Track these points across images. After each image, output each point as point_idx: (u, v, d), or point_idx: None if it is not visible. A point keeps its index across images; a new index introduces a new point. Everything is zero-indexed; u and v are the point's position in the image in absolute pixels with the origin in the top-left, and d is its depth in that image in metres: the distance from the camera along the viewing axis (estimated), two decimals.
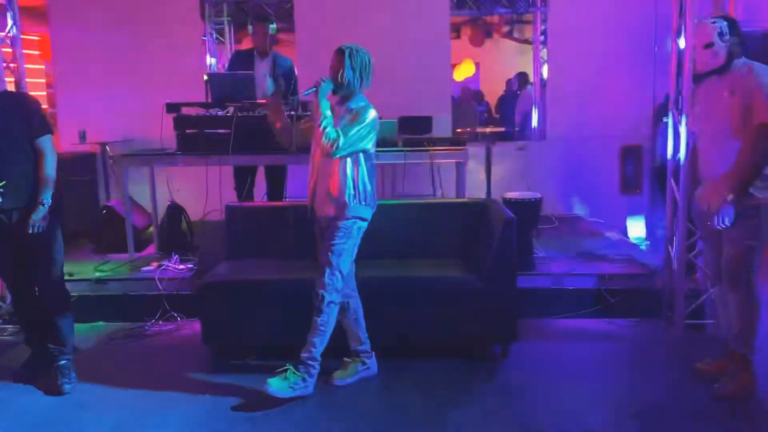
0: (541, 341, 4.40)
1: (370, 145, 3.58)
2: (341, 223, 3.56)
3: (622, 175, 7.15)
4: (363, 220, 3.63)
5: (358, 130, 3.49)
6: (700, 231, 3.91)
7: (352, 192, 3.55)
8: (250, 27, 5.89)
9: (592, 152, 7.09)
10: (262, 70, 5.83)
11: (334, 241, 3.56)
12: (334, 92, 3.59)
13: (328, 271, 3.55)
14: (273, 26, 5.81)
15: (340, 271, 3.58)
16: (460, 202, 4.96)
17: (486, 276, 4.03)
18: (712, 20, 3.48)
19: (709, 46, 3.45)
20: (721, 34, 3.42)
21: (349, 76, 3.54)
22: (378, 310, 3.97)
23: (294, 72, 5.99)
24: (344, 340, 3.86)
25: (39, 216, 3.64)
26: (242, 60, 5.98)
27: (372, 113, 3.55)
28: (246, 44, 7.45)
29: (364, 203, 3.60)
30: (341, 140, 3.44)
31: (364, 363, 3.87)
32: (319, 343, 3.60)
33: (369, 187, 3.61)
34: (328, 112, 3.50)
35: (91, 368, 4.06)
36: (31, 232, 3.63)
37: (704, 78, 3.61)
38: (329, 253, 3.56)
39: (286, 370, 3.59)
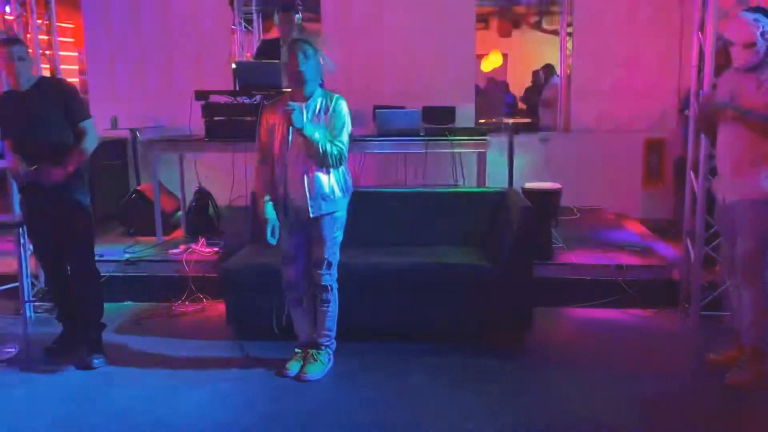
0: (556, 330, 4.47)
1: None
2: (334, 217, 3.66)
3: (645, 168, 7.14)
4: (344, 211, 3.74)
5: (345, 131, 3.57)
6: (717, 223, 3.93)
7: (343, 186, 3.66)
8: (276, 17, 5.97)
9: (616, 145, 7.08)
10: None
11: (331, 235, 3.67)
12: (295, 85, 3.57)
13: (333, 261, 3.71)
14: (299, 16, 5.89)
15: (337, 258, 3.75)
16: (480, 192, 5.03)
17: (504, 264, 4.10)
18: (754, 17, 3.43)
19: (751, 45, 3.42)
20: (763, 34, 3.40)
21: (309, 71, 3.50)
22: (395, 296, 4.07)
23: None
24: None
25: (55, 172, 3.74)
26: (269, 49, 6.07)
27: (345, 105, 3.60)
28: (274, 33, 7.54)
29: (347, 194, 3.72)
30: (344, 151, 3.55)
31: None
32: (334, 326, 3.79)
33: (350, 179, 3.73)
34: (316, 134, 3.48)
35: (120, 345, 4.22)
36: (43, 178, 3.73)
37: (725, 69, 3.63)
38: (326, 247, 3.67)
39: (306, 355, 3.77)
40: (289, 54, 3.52)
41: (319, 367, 3.76)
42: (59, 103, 3.81)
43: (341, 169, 3.64)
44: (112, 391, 3.65)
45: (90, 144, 3.87)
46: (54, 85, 3.97)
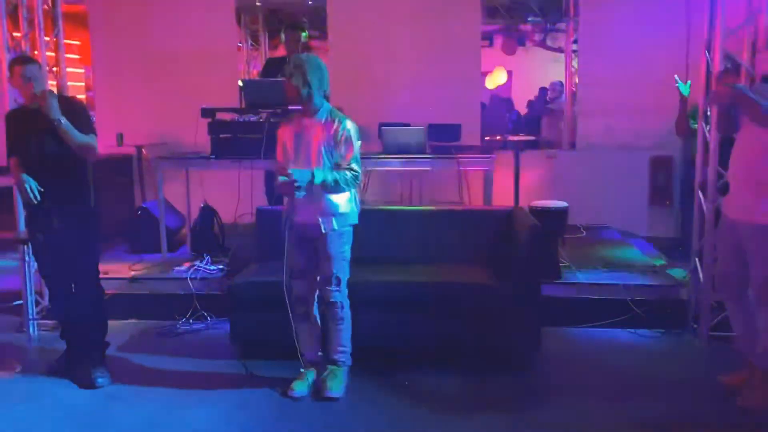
0: (564, 350, 4.42)
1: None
2: (342, 232, 3.67)
3: (651, 186, 7.13)
4: (352, 227, 3.76)
5: (356, 155, 3.60)
6: (722, 242, 3.86)
7: (353, 203, 3.70)
8: (282, 35, 6.00)
9: (622, 162, 7.08)
10: None
11: (339, 251, 3.67)
12: (297, 103, 3.62)
13: (342, 277, 3.71)
14: (305, 34, 5.91)
15: (347, 275, 3.75)
16: (486, 210, 5.00)
17: (511, 283, 4.07)
18: None
19: None
20: None
21: (307, 91, 3.53)
22: (402, 315, 4.04)
23: None
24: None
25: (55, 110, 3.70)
26: (275, 67, 6.09)
27: (352, 127, 3.61)
28: (281, 51, 7.58)
29: (356, 211, 3.75)
30: (358, 174, 3.60)
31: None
32: (349, 343, 3.80)
33: (358, 197, 3.76)
34: (327, 178, 3.51)
35: (124, 364, 4.19)
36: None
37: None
38: (335, 263, 3.67)
39: (332, 373, 3.77)
40: (289, 73, 3.54)
41: (340, 383, 3.74)
42: (67, 120, 3.81)
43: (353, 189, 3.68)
44: (116, 410, 3.62)
45: (88, 139, 3.83)
46: (63, 103, 3.99)
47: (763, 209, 3.41)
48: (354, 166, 3.58)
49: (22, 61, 3.92)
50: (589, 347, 4.48)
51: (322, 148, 3.56)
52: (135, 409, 3.63)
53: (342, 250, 3.69)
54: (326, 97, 3.66)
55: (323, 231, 3.60)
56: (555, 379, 4.02)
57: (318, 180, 3.49)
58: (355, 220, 3.75)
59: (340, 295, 3.72)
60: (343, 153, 3.57)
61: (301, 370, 3.85)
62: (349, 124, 3.60)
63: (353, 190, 3.69)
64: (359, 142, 3.64)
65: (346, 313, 3.75)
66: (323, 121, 3.60)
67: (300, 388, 3.75)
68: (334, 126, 3.58)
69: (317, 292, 3.79)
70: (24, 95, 3.87)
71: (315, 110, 3.61)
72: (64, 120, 3.70)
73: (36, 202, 3.74)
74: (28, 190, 3.73)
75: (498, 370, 4.07)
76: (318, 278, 3.75)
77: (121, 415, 3.56)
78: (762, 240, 3.43)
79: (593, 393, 3.79)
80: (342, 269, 3.71)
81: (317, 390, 3.74)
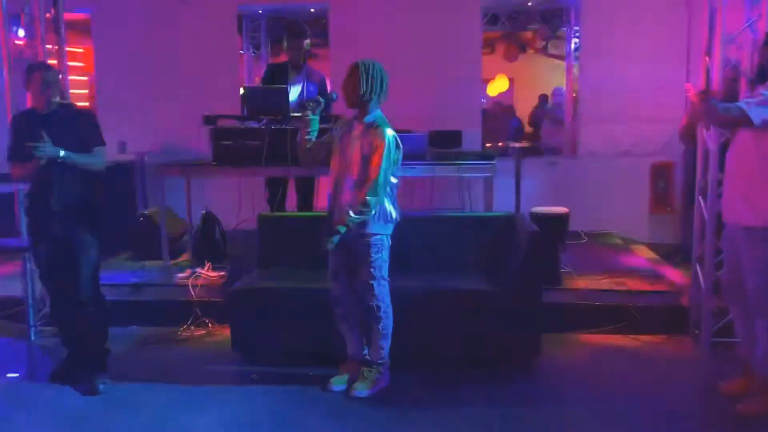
0: (565, 356, 4.41)
1: (393, 174, 3.75)
2: (373, 240, 3.72)
3: (652, 192, 7.13)
4: (387, 235, 3.79)
5: (383, 168, 3.63)
6: (726, 248, 3.84)
7: (385, 212, 3.73)
8: (285, 42, 6.01)
9: (623, 169, 7.09)
10: (296, 83, 5.95)
11: (373, 256, 3.72)
12: (352, 105, 3.72)
13: (374, 283, 3.73)
14: (308, 41, 5.93)
15: (385, 279, 3.77)
16: (487, 216, 5.00)
17: (512, 289, 4.08)
18: None
19: None
20: None
21: (365, 88, 3.65)
22: (403, 321, 4.03)
23: (326, 85, 6.10)
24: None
25: (48, 148, 3.68)
26: (276, 73, 6.09)
27: (390, 140, 3.66)
28: (282, 58, 7.60)
29: (389, 221, 3.77)
30: (380, 190, 3.63)
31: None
32: (387, 344, 3.83)
33: (395, 209, 3.79)
34: (362, 214, 3.62)
35: (125, 370, 4.18)
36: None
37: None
38: (369, 268, 3.72)
39: (363, 374, 3.84)
40: (349, 75, 3.66)
41: (368, 385, 3.79)
42: (76, 129, 3.86)
43: (386, 199, 3.72)
44: (117, 417, 3.62)
45: (91, 159, 3.88)
46: (74, 112, 4.05)
47: (752, 211, 3.42)
48: (375, 171, 3.60)
49: (44, 67, 3.99)
50: (590, 353, 4.48)
51: (361, 155, 3.66)
52: (135, 415, 3.63)
53: (376, 256, 3.73)
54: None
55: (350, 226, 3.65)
56: (555, 385, 4.01)
57: (354, 221, 3.61)
58: (387, 231, 3.78)
59: (376, 299, 3.75)
60: (373, 161, 3.63)
61: (341, 366, 3.94)
62: (389, 137, 3.65)
63: (386, 204, 3.72)
64: (396, 154, 3.69)
65: (385, 313, 3.78)
66: (366, 125, 3.70)
67: (338, 383, 3.85)
68: (375, 132, 3.65)
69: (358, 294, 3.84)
70: (39, 101, 3.89)
71: (366, 115, 3.71)
72: (64, 152, 3.72)
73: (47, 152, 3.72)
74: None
75: (498, 375, 4.07)
76: (357, 281, 3.80)
77: (121, 422, 3.56)
78: (749, 243, 3.44)
79: (594, 399, 3.79)
80: (376, 275, 3.74)
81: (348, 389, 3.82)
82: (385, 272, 3.79)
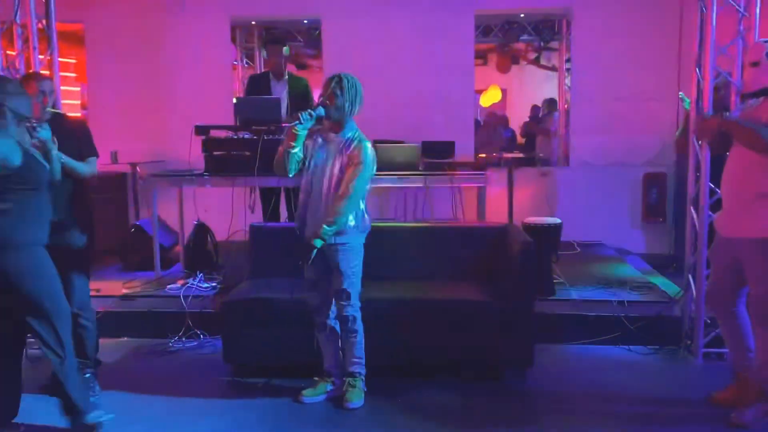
0: (558, 367, 4.40)
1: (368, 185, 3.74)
2: (348, 248, 3.72)
3: (645, 202, 7.15)
4: (360, 243, 3.80)
5: (361, 177, 3.63)
6: (715, 258, 3.84)
7: (359, 221, 3.71)
8: (264, 51, 6.02)
9: (616, 179, 7.13)
10: (278, 92, 5.95)
11: (348, 266, 3.72)
12: (327, 118, 3.69)
13: (351, 290, 3.75)
14: (286, 48, 5.93)
15: (359, 286, 3.80)
16: (480, 226, 5.00)
17: (504, 300, 4.07)
18: (764, 40, 3.52)
19: (755, 64, 3.45)
20: None
21: (348, 106, 3.65)
22: (395, 331, 4.03)
23: (310, 92, 6.10)
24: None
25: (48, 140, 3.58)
26: (258, 83, 6.09)
27: (370, 151, 3.67)
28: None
29: (362, 230, 3.77)
30: (355, 201, 3.63)
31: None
32: (363, 354, 3.84)
33: (367, 217, 3.78)
34: (333, 227, 3.61)
35: (115, 382, 4.15)
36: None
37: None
38: (344, 278, 3.72)
39: (350, 385, 3.82)
40: (329, 90, 3.64)
41: (359, 394, 3.80)
42: (69, 138, 3.83)
43: (360, 208, 3.72)
44: (108, 428, 3.57)
45: (83, 167, 3.87)
46: (67, 122, 4.04)
47: (757, 224, 3.42)
48: (351, 186, 3.59)
49: (38, 77, 4.00)
50: (583, 364, 4.47)
51: (339, 169, 3.64)
52: (125, 427, 3.59)
53: (351, 266, 3.73)
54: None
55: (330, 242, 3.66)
56: (548, 395, 3.99)
57: (327, 233, 3.60)
58: (360, 239, 3.77)
59: (352, 309, 3.77)
60: (350, 172, 3.62)
61: (315, 378, 3.92)
62: (369, 149, 3.66)
63: (360, 212, 3.71)
64: (373, 168, 3.69)
65: (358, 325, 3.80)
66: (345, 139, 3.68)
67: (309, 395, 3.84)
68: (356, 147, 3.64)
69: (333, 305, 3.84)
70: (34, 110, 3.86)
71: (342, 128, 3.70)
72: (65, 157, 3.70)
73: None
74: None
75: (491, 386, 4.06)
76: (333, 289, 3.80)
77: None
78: (756, 255, 3.43)
79: (586, 410, 3.78)
80: (351, 284, 3.75)
81: (338, 402, 3.80)
82: (358, 283, 3.80)
